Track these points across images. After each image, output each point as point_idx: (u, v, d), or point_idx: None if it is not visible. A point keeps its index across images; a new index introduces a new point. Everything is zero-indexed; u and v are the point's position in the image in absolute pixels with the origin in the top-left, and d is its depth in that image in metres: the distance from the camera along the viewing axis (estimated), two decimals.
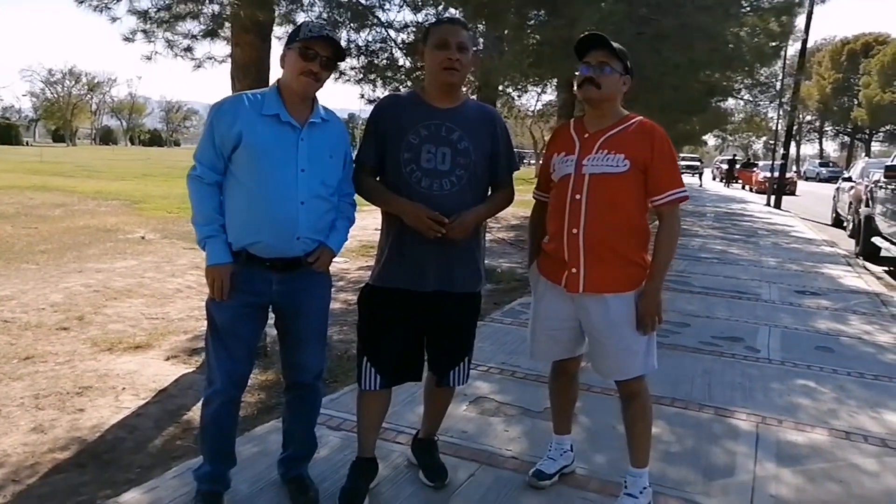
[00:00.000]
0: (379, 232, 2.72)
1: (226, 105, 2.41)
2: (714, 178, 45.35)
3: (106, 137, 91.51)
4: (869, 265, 10.24)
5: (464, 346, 2.76)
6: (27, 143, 67.03)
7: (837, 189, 16.32)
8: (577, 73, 2.64)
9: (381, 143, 2.56)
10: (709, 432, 3.56)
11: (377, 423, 2.77)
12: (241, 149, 2.35)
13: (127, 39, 4.73)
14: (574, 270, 2.54)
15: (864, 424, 3.77)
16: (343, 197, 2.60)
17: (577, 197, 2.50)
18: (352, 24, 5.29)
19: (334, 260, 2.60)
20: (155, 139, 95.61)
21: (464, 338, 2.75)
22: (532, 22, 6.14)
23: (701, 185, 34.42)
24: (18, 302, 5.81)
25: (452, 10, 5.84)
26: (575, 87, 2.71)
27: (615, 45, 2.52)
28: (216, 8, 4.49)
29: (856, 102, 57.49)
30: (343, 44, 6.14)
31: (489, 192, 2.70)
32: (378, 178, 2.63)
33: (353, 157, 2.64)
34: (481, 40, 5.71)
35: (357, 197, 2.67)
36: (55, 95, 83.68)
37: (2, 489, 2.77)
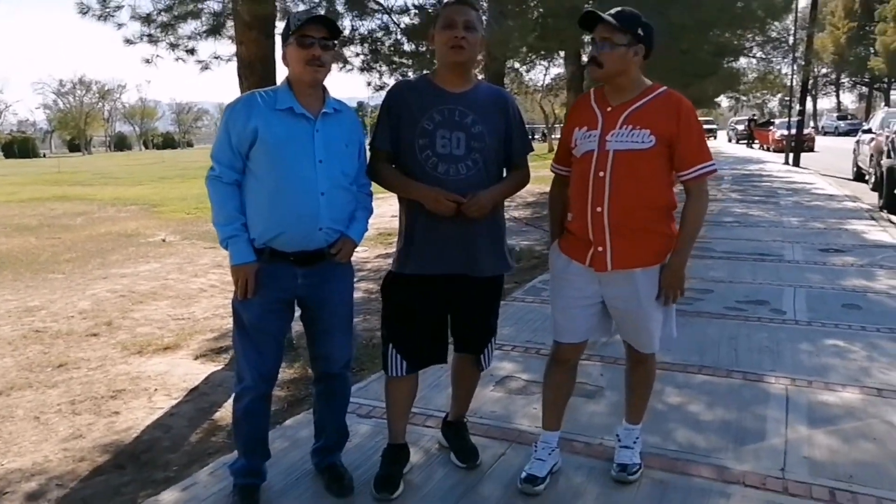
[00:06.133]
0: (396, 219, 2.72)
1: (239, 104, 2.42)
2: (730, 140, 44.79)
3: (120, 143, 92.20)
4: (894, 217, 10.08)
5: (490, 328, 2.77)
6: (44, 155, 67.86)
7: (857, 142, 16.02)
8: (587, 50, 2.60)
9: (395, 128, 2.55)
10: (738, 397, 3.55)
11: (406, 408, 2.79)
12: (258, 145, 2.36)
13: (128, 42, 4.75)
14: (600, 249, 2.49)
15: None
16: (360, 187, 2.61)
17: (601, 174, 2.45)
18: (352, 13, 5.28)
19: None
20: (168, 142, 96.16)
21: (490, 319, 2.76)
22: None
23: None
24: (48, 311, 5.92)
25: None
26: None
27: (621, 13, 2.42)
28: (216, 6, 4.50)
29: (872, 51, 56.09)
30: (346, 32, 6.21)
31: (504, 175, 2.69)
32: (393, 165, 2.63)
33: (367, 145, 2.64)
34: (485, 17, 5.65)
35: (372, 185, 2.68)
36: (68, 106, 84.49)
37: (46, 494, 2.85)
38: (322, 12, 4.44)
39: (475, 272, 2.58)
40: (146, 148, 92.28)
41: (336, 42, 2.44)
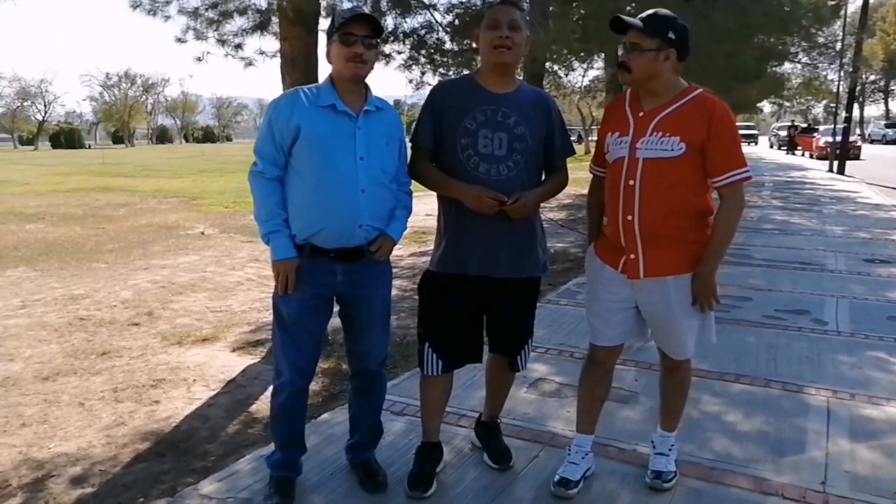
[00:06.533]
0: (433, 218, 2.73)
1: (283, 101, 2.46)
2: (771, 146, 43.95)
3: (162, 136, 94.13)
4: None
5: (526, 329, 2.77)
6: (89, 146, 69.53)
7: None
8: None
9: (437, 127, 2.56)
10: (776, 408, 3.49)
11: (441, 407, 2.81)
12: (301, 141, 2.39)
13: (179, 41, 4.87)
14: (632, 256, 2.48)
15: None
16: (400, 185, 2.63)
17: (631, 182, 2.43)
18: (396, 10, 5.31)
19: None
20: (208, 135, 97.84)
21: (526, 320, 2.76)
22: None
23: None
24: (92, 300, 6.07)
25: None
26: None
27: (651, 18, 2.38)
28: (262, 2, 4.57)
29: None
30: (389, 28, 6.24)
31: (543, 177, 2.69)
32: (433, 163, 2.64)
33: (409, 143, 2.66)
34: (528, 17, 5.62)
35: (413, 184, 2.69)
36: (113, 98, 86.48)
37: (90, 479, 2.93)
38: (367, 10, 4.50)
39: (509, 273, 2.58)
40: (186, 141, 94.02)
41: (379, 41, 2.46)
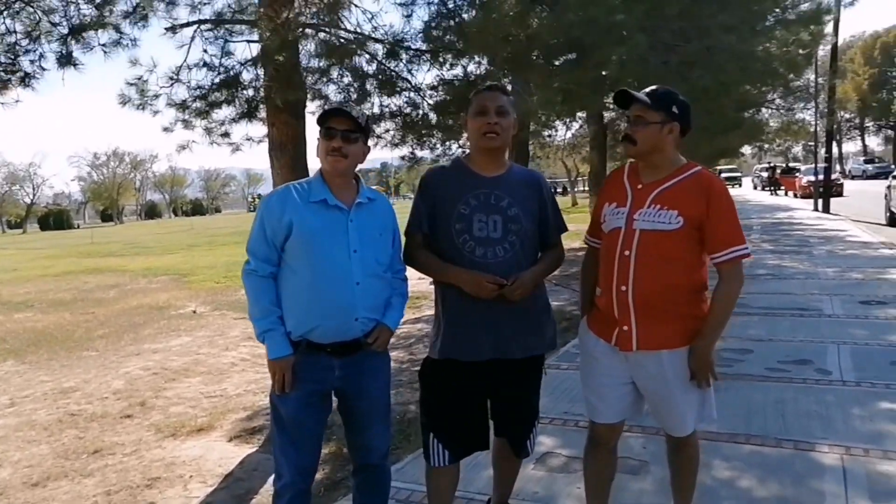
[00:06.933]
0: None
1: (274, 198, 2.45)
2: (755, 188, 44.58)
3: (151, 212, 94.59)
4: None
5: (532, 410, 2.71)
6: (78, 226, 69.79)
7: (889, 187, 15.85)
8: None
9: (431, 213, 2.57)
10: (791, 470, 3.40)
11: (449, 498, 2.71)
12: (293, 238, 2.38)
13: (167, 130, 4.91)
14: (626, 328, 2.45)
15: None
16: (395, 273, 2.61)
17: (627, 253, 2.42)
18: (381, 92, 5.41)
19: None
20: (197, 208, 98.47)
21: (532, 400, 2.71)
22: (559, 64, 6.14)
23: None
24: (83, 392, 5.94)
25: (475, 66, 5.90)
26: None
27: (655, 92, 2.44)
28: (250, 92, 4.63)
29: (895, 95, 56.12)
30: (376, 109, 6.37)
31: (538, 255, 2.67)
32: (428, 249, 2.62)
33: (404, 230, 2.64)
34: (509, 86, 5.73)
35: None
36: (101, 177, 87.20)
37: None
38: (353, 94, 4.58)
39: (520, 354, 2.53)
40: (176, 215, 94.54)
41: (359, 134, 2.46)
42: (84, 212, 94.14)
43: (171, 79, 4.57)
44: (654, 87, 2.48)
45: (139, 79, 5.03)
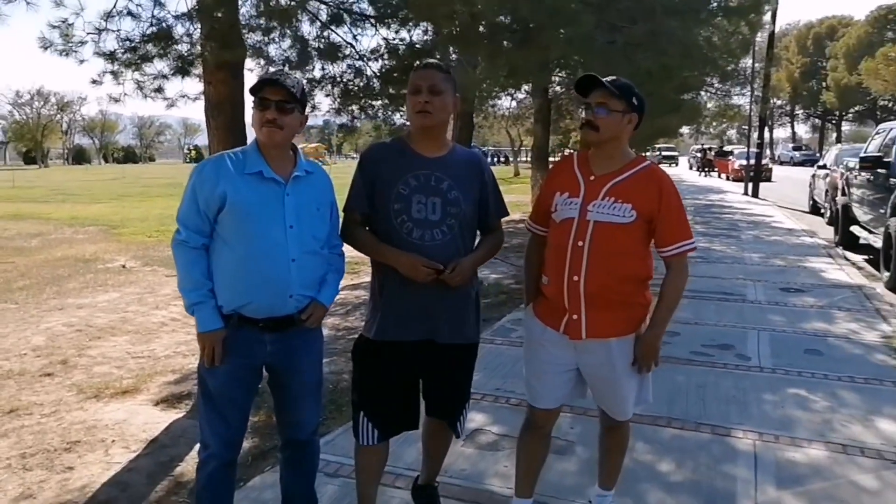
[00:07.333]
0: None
1: (208, 167, 2.36)
2: (691, 168, 45.82)
3: (79, 157, 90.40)
4: (849, 255, 10.36)
5: (464, 394, 2.73)
6: None
7: (813, 176, 16.53)
8: (581, 114, 2.60)
9: (370, 191, 2.52)
10: (707, 454, 3.56)
11: (377, 476, 2.72)
12: (227, 210, 2.30)
13: (95, 82, 4.63)
14: (575, 317, 2.49)
15: (859, 436, 3.79)
16: (332, 248, 2.56)
17: (580, 244, 2.44)
18: (323, 59, 5.24)
19: None
20: (129, 156, 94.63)
21: (464, 385, 2.72)
22: (506, 43, 6.09)
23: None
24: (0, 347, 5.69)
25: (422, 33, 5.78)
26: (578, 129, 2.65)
27: (617, 82, 2.45)
28: (184, 48, 4.41)
29: (824, 85, 58.29)
30: (317, 74, 6.18)
31: (478, 238, 2.67)
32: (366, 228, 2.59)
33: (342, 206, 2.59)
34: (455, 56, 5.66)
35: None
36: (24, 117, 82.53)
37: None
38: (294, 59, 4.42)
39: (451, 339, 2.54)
40: (106, 162, 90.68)
41: (294, 105, 2.37)
42: (5, 152, 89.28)
43: (98, 29, 4.29)
44: (612, 77, 2.48)
45: (63, 21, 4.71)
